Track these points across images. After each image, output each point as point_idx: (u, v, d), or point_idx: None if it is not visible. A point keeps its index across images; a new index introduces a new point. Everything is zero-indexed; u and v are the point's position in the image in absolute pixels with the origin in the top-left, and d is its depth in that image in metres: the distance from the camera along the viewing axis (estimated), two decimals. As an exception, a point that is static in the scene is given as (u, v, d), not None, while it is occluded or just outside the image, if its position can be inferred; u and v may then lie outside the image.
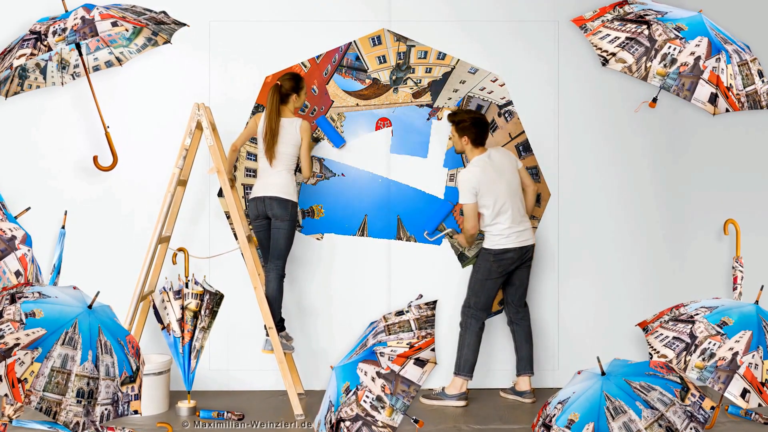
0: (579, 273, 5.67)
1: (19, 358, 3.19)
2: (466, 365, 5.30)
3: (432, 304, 3.79)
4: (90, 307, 3.44)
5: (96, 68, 5.08)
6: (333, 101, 5.61)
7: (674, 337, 3.53)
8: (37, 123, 5.54)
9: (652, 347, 3.60)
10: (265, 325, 5.10)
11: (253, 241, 5.36)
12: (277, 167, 5.15)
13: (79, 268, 5.23)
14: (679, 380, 3.32)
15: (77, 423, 3.30)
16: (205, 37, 5.55)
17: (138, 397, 3.51)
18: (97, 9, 4.49)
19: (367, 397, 3.51)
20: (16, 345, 3.18)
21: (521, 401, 5.33)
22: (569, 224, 5.65)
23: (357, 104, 5.62)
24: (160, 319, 5.03)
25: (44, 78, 4.99)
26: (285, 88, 5.18)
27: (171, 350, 5.01)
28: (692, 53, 4.07)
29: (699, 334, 3.45)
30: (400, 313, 3.77)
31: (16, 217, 4.38)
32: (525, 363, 5.37)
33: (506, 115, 5.61)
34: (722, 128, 5.62)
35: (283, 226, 5.15)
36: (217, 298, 5.08)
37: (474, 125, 5.25)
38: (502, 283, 5.41)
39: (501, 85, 5.61)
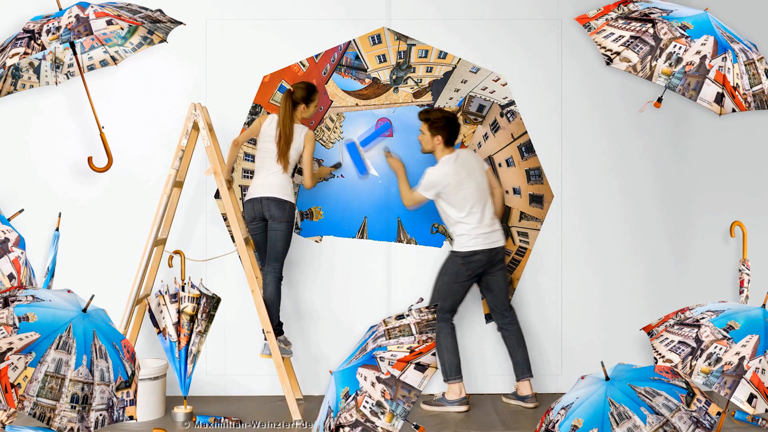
0: (582, 276, 5.67)
1: (13, 363, 3.18)
2: (452, 369, 5.30)
3: (432, 308, 3.78)
4: (84, 310, 3.44)
5: (91, 67, 5.08)
6: (332, 101, 5.61)
7: (680, 342, 3.53)
8: (30, 123, 5.55)
9: (657, 352, 3.60)
10: (263, 329, 5.10)
11: (251, 244, 5.36)
12: (275, 168, 5.15)
13: (73, 271, 5.23)
14: (684, 385, 3.32)
15: (71, 429, 3.30)
16: (201, 36, 5.55)
17: (133, 402, 3.51)
18: (92, 7, 4.49)
19: (367, 402, 3.51)
20: (9, 349, 3.18)
21: (524, 406, 5.33)
22: (572, 226, 5.65)
23: (356, 104, 5.63)
24: (155, 323, 5.03)
25: (38, 77, 4.99)
26: (296, 96, 5.20)
27: (167, 355, 5.02)
28: (698, 52, 4.07)
29: (705, 338, 3.45)
30: (400, 316, 3.77)
31: (9, 219, 4.38)
32: (522, 367, 5.37)
33: (509, 115, 5.61)
34: (729, 128, 5.62)
35: (280, 227, 5.15)
36: (213, 302, 5.08)
37: (448, 125, 5.27)
38: (481, 290, 5.43)
39: (503, 85, 5.61)
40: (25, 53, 4.40)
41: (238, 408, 5.30)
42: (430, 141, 5.30)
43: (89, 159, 5.30)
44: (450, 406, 5.28)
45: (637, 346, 5.53)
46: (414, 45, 5.61)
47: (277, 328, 5.20)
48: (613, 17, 4.26)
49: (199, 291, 5.03)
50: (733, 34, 4.23)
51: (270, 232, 5.18)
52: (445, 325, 5.32)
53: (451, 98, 5.61)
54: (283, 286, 5.39)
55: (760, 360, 3.34)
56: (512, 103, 5.61)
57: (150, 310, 5.06)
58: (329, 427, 3.55)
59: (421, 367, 3.58)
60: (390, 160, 5.47)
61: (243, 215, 5.31)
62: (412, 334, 3.68)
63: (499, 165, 5.62)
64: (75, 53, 4.90)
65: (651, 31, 4.13)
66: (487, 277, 5.34)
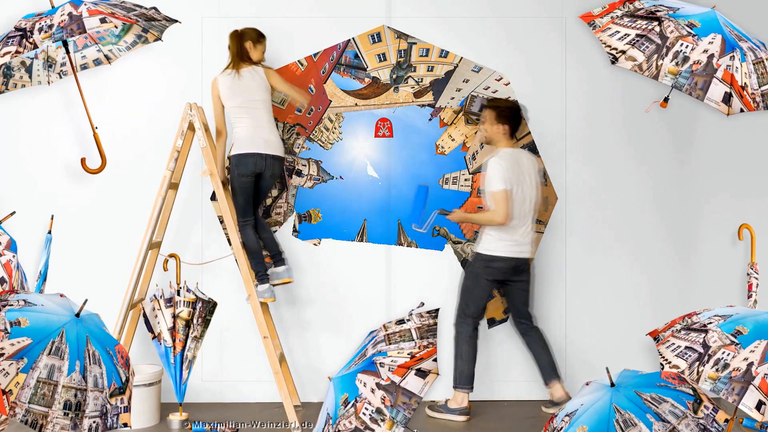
0: (587, 280, 5.67)
1: (4, 369, 3.18)
2: (461, 377, 5.28)
3: (434, 313, 3.79)
4: (77, 315, 3.44)
5: (84, 66, 5.08)
6: (331, 101, 5.62)
7: (686, 347, 3.53)
8: (22, 124, 5.55)
9: (663, 357, 3.60)
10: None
11: (247, 247, 5.33)
12: (264, 121, 5.19)
13: (66, 275, 5.23)
14: (691, 392, 3.32)
15: (64, 436, 3.30)
16: (197, 35, 5.56)
17: (127, 409, 3.51)
18: (85, 5, 4.49)
19: (367, 409, 3.51)
20: (1, 355, 3.18)
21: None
22: (577, 229, 5.65)
23: (356, 104, 5.63)
24: (150, 328, 5.03)
25: (30, 77, 4.99)
26: (245, 35, 5.24)
27: (162, 360, 5.02)
28: (705, 51, 4.07)
29: (712, 343, 3.45)
30: (400, 321, 3.77)
31: (0, 222, 4.38)
32: (549, 370, 5.32)
33: (511, 115, 5.61)
34: (736, 129, 5.63)
35: (273, 182, 5.35)
36: (209, 306, 5.08)
37: (515, 115, 5.24)
38: (503, 294, 5.40)
39: (506, 84, 5.61)
40: (17, 52, 4.40)
41: (235, 415, 5.30)
42: (493, 130, 5.22)
43: (82, 160, 5.30)
44: (449, 414, 5.27)
45: (642, 351, 5.53)
46: (415, 43, 5.61)
47: (278, 257, 5.33)
48: (619, 15, 4.27)
49: (195, 295, 5.03)
50: (741, 32, 4.23)
51: (263, 185, 5.28)
52: (464, 330, 5.29)
53: (453, 98, 5.61)
54: (281, 289, 5.42)
55: (769, 366, 3.34)
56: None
57: (144, 315, 5.06)
58: (328, 434, 3.55)
59: (422, 373, 3.58)
60: (452, 217, 5.36)
61: (234, 167, 5.21)
62: (413, 340, 3.68)
63: (502, 166, 5.62)
64: (68, 52, 4.91)
65: (657, 29, 4.14)
66: (508, 285, 5.32)
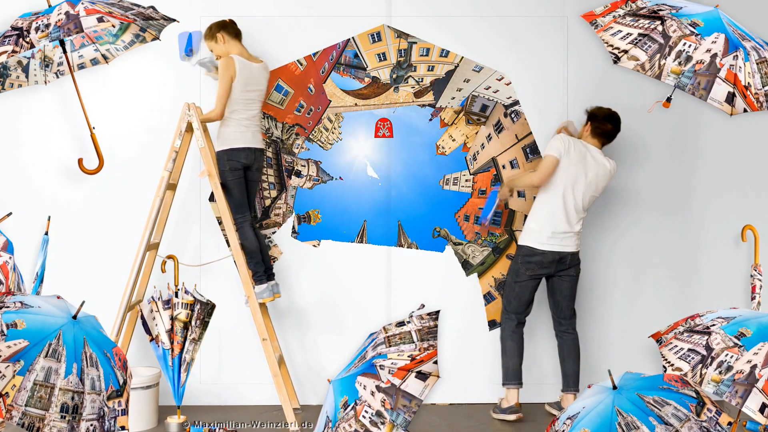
0: (587, 281, 5.67)
1: (0, 372, 3.18)
2: (507, 373, 5.28)
3: (434, 314, 3.78)
4: (75, 317, 3.44)
5: (81, 66, 5.08)
6: (330, 101, 5.62)
7: (689, 349, 3.53)
8: (19, 124, 5.55)
9: (666, 360, 3.60)
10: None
11: (245, 248, 5.33)
12: (254, 114, 5.25)
13: (63, 277, 5.23)
14: (694, 394, 3.31)
15: (61, 439, 3.30)
16: (195, 34, 5.56)
17: (125, 412, 3.51)
18: (82, 4, 4.49)
19: (366, 412, 3.51)
20: (-3, 357, 3.18)
21: None
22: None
23: (356, 104, 5.63)
24: (148, 330, 5.03)
25: (26, 76, 4.99)
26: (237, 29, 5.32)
27: (160, 363, 5.01)
28: (708, 50, 4.07)
29: (715, 345, 3.45)
30: (400, 323, 3.77)
31: (-4, 223, 4.38)
32: (569, 379, 5.30)
33: (513, 115, 5.62)
34: (740, 129, 5.63)
35: (260, 176, 5.36)
36: (208, 308, 5.08)
37: (608, 119, 5.20)
38: (547, 291, 5.37)
39: (507, 84, 5.61)
40: (14, 51, 4.40)
41: (234, 417, 5.29)
42: (585, 134, 5.23)
43: (79, 161, 5.30)
44: (501, 414, 5.27)
45: (645, 353, 5.53)
46: (415, 43, 5.61)
47: (269, 272, 5.29)
48: (621, 14, 4.27)
49: (193, 297, 5.03)
50: (744, 31, 4.23)
51: (251, 182, 5.30)
52: (507, 326, 5.29)
53: (453, 98, 5.62)
54: (280, 291, 5.42)
55: (773, 368, 3.34)
56: (516, 102, 5.62)
57: (142, 317, 5.06)
58: (327, 437, 3.55)
59: (423, 376, 3.58)
60: (502, 193, 5.36)
61: (224, 162, 5.18)
62: (413, 342, 3.68)
63: (503, 167, 5.63)
64: (65, 51, 4.91)
65: (660, 28, 4.14)
66: (552, 280, 5.28)
